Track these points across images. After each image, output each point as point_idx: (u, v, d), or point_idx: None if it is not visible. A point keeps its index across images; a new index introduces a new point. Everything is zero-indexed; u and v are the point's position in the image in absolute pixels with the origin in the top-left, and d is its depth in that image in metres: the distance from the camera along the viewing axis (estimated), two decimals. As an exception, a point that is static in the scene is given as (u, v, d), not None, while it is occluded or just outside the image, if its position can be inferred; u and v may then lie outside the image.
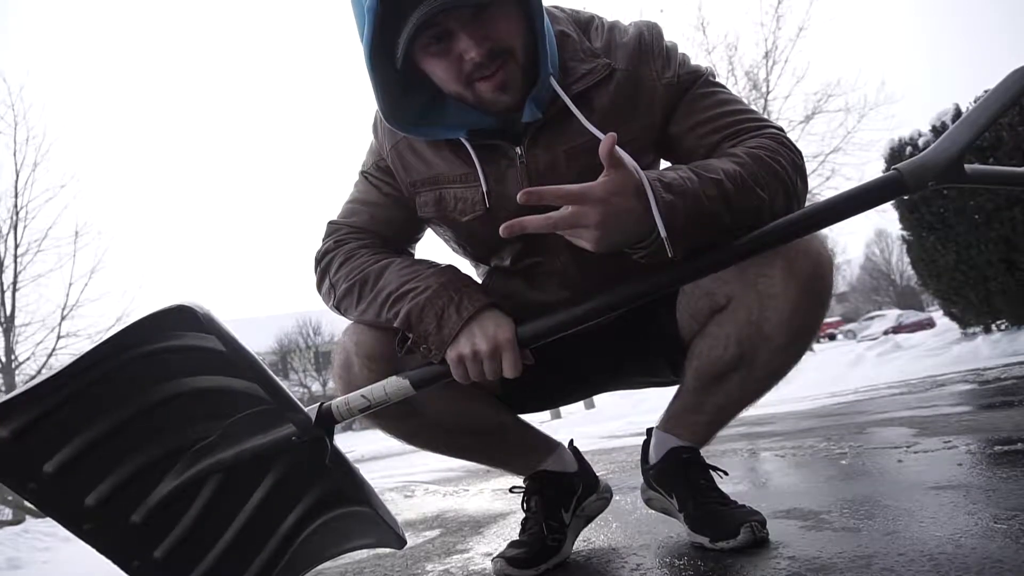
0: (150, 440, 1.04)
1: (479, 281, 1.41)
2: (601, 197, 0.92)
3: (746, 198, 1.01)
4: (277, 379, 1.03)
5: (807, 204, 1.10)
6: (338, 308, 1.23)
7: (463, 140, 1.14)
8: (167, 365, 1.02)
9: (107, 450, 1.02)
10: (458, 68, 1.03)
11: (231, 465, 1.06)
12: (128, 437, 1.03)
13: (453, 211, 1.19)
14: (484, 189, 1.14)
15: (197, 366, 1.02)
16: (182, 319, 0.96)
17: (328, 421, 1.06)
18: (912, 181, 0.94)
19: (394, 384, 1.07)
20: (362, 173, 1.29)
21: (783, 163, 1.06)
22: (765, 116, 1.16)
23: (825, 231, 1.09)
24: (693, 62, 1.18)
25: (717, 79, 1.19)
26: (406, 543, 1.14)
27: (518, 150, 1.14)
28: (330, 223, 1.30)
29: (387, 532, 1.11)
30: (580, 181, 1.00)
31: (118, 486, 1.03)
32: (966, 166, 0.96)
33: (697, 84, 1.15)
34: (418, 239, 1.33)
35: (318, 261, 1.25)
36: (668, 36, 1.19)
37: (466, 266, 1.44)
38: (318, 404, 1.08)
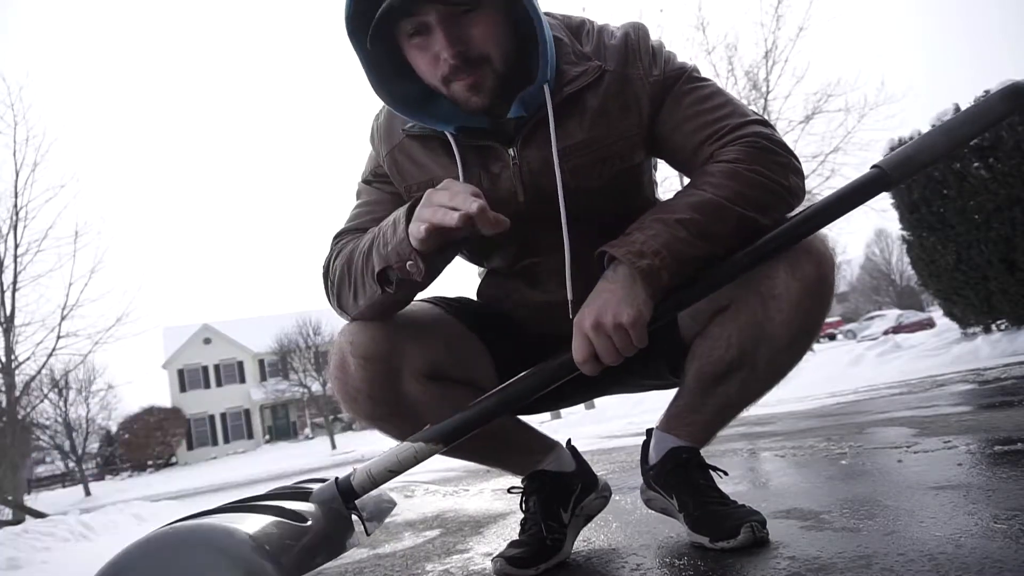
0: None
1: (479, 283, 1.41)
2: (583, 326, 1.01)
3: (725, 220, 1.03)
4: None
5: (805, 205, 1.10)
6: (341, 307, 1.19)
7: (452, 142, 1.14)
8: None
9: None
10: (436, 65, 1.06)
11: None
12: None
13: None
14: None
15: None
16: None
17: (350, 497, 1.00)
18: (895, 175, 1.00)
19: (423, 448, 1.02)
20: (362, 181, 1.30)
21: (764, 169, 1.07)
22: (747, 109, 1.16)
23: (825, 230, 1.10)
24: (680, 59, 1.20)
25: (702, 75, 1.20)
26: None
27: (511, 151, 1.14)
28: (334, 236, 1.27)
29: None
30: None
31: None
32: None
33: (681, 81, 1.17)
34: None
35: (324, 274, 1.22)
36: (662, 37, 1.21)
37: (471, 272, 1.44)
38: (335, 479, 1.01)
